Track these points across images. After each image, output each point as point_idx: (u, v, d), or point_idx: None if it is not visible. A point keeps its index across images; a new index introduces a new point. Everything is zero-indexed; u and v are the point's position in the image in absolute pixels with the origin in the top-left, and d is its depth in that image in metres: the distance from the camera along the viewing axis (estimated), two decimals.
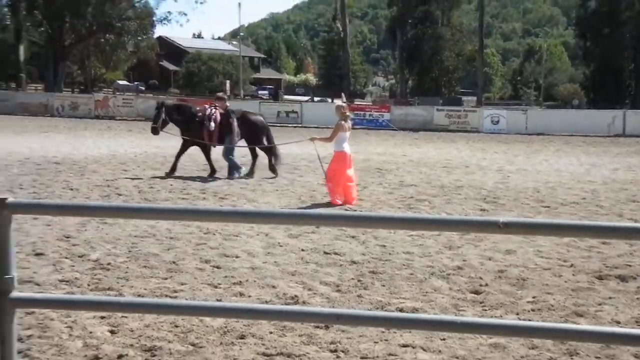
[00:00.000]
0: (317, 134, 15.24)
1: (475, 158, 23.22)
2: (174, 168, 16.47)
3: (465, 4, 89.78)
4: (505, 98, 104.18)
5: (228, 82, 76.16)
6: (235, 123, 16.23)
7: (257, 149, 17.09)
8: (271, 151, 17.14)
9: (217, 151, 16.85)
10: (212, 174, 16.50)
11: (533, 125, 37.96)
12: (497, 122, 38.83)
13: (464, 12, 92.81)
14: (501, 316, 6.76)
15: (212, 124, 16.33)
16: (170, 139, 17.93)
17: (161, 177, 16.08)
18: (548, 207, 13.37)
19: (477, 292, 7.56)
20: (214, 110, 16.54)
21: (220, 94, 18.09)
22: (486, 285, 7.81)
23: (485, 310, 6.98)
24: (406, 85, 73.36)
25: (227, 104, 16.93)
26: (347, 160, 13.24)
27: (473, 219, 4.56)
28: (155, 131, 16.88)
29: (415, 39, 71.05)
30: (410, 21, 71.61)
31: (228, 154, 16.30)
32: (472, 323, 4.23)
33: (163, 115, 16.76)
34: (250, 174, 16.66)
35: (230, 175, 16.26)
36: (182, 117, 16.90)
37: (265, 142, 17.11)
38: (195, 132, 16.50)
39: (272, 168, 16.92)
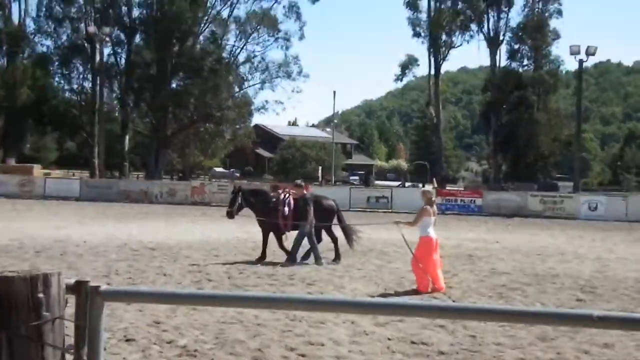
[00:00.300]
0: (407, 219, 15.14)
1: (572, 246, 22.51)
2: (263, 255, 16.65)
3: (562, 88, 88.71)
4: (604, 184, 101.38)
5: (320, 167, 77.25)
6: (311, 211, 16.35)
7: (332, 231, 17.13)
8: (345, 233, 17.20)
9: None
10: (290, 258, 16.50)
11: (634, 212, 36.57)
12: (595, 208, 37.70)
13: (561, 97, 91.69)
14: None
15: (286, 209, 16.50)
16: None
17: (251, 263, 16.26)
18: None
19: None
20: (287, 195, 16.78)
21: (298, 181, 18.32)
22: None
23: None
24: (500, 171, 72.51)
25: (305, 191, 17.06)
26: (433, 245, 13.15)
27: (565, 312, 4.41)
28: (230, 215, 17.28)
29: (510, 125, 70.45)
30: (504, 106, 71.27)
31: (301, 240, 16.34)
32: None
33: (239, 200, 17.13)
34: (337, 258, 16.72)
35: (317, 261, 16.25)
36: (258, 201, 17.19)
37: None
38: (269, 217, 16.66)
39: (337, 254, 16.85)
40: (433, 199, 13.71)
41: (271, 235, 16.93)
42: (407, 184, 75.45)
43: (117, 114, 73.26)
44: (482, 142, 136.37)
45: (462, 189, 60.93)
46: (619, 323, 3.57)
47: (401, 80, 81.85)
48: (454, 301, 12.02)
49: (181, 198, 44.06)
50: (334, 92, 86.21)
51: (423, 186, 64.98)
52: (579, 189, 52.62)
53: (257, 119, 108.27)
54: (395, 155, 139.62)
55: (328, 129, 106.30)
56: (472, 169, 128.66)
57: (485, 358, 8.34)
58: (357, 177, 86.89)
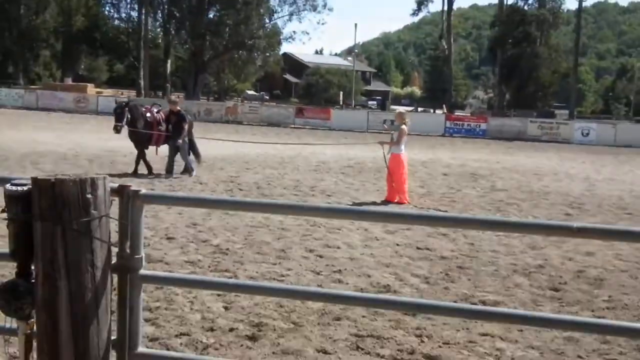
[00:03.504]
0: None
1: (564, 167, 22.37)
2: (149, 167, 15.57)
3: (563, 25, 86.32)
4: (596, 112, 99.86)
5: (342, 93, 76.57)
6: (186, 127, 15.34)
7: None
8: (195, 150, 16.29)
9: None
10: (150, 172, 15.50)
11: (622, 138, 36.18)
12: (588, 134, 37.27)
13: (562, 33, 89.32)
14: (577, 313, 6.49)
15: (164, 125, 15.48)
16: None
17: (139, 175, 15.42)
18: (630, 214, 12.75)
19: (556, 290, 7.30)
20: (158, 111, 15.75)
21: (173, 97, 17.33)
22: (565, 283, 7.52)
23: (563, 306, 6.72)
24: (504, 99, 71.57)
25: (178, 107, 15.74)
26: (404, 161, 13.30)
27: (550, 223, 4.41)
28: (118, 130, 15.20)
29: (514, 57, 69.12)
30: (510, 41, 69.82)
31: (185, 153, 15.54)
32: (548, 318, 4.09)
33: (128, 115, 15.18)
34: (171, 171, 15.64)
35: (189, 172, 15.50)
36: (139, 117, 15.38)
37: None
38: (145, 133, 15.34)
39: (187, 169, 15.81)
40: (407, 120, 13.63)
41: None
42: (419, 109, 74.76)
43: (160, 41, 72.99)
44: (489, 73, 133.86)
45: (469, 114, 60.34)
46: (595, 233, 3.59)
47: (417, 15, 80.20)
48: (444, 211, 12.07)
49: (216, 117, 44.08)
50: (355, 25, 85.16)
51: (433, 112, 64.45)
52: (574, 116, 51.93)
53: (286, 48, 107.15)
54: (409, 83, 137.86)
55: (349, 58, 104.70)
56: (479, 96, 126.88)
57: (481, 262, 8.42)
58: (374, 102, 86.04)
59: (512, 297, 6.99)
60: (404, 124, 13.39)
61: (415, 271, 7.89)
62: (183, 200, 4.83)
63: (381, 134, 36.65)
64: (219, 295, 6.49)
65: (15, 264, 3.26)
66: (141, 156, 15.55)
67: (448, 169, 19.91)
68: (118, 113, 15.20)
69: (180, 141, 15.34)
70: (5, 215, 3.18)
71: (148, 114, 15.53)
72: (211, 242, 8.85)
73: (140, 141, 15.45)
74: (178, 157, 15.55)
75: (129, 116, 15.20)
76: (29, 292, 3.17)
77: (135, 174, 15.32)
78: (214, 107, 46.94)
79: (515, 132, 39.16)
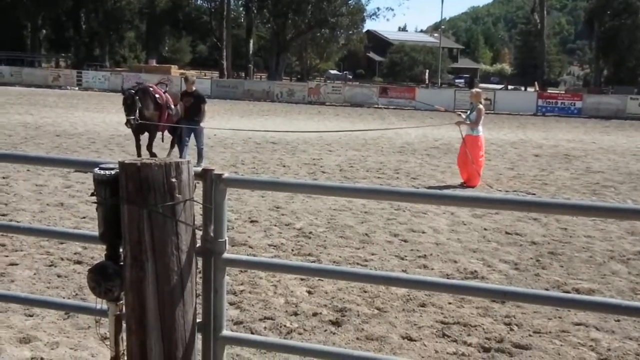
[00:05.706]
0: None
1: None
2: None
3: None
4: None
5: (427, 71, 75.65)
6: (206, 108, 13.96)
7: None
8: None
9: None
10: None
11: None
12: None
13: None
14: None
15: (177, 107, 13.78)
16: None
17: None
18: None
19: None
20: (165, 90, 14.12)
21: (188, 75, 15.70)
22: None
23: None
24: (601, 75, 68.91)
25: (194, 87, 14.10)
26: (483, 143, 13.10)
27: None
28: (132, 124, 13.27)
29: (613, 30, 66.34)
30: (609, 12, 66.96)
31: (203, 138, 14.22)
32: None
33: (139, 104, 13.22)
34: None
35: (200, 159, 13.90)
36: (146, 104, 13.52)
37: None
38: (156, 117, 13.70)
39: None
40: (483, 99, 13.35)
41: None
42: (509, 87, 72.99)
43: (242, 20, 74.17)
44: (585, 48, 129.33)
45: (563, 92, 58.47)
46: None
47: None
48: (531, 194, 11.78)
49: (299, 98, 44.40)
50: None
51: (525, 89, 62.75)
52: None
53: (369, 25, 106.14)
54: (499, 59, 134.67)
55: (435, 34, 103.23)
56: (574, 73, 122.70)
57: (575, 248, 8.21)
58: (462, 80, 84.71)
59: (608, 285, 6.79)
60: (480, 103, 13.08)
61: (504, 257, 7.77)
62: (266, 184, 4.89)
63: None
64: (302, 279, 6.59)
65: (104, 247, 3.41)
66: (151, 142, 13.97)
67: (540, 150, 19.40)
68: (129, 104, 13.17)
69: (204, 125, 14.12)
70: (94, 198, 3.32)
71: (157, 95, 13.81)
72: (294, 226, 8.98)
73: (151, 128, 13.80)
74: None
75: (140, 105, 13.33)
76: (117, 274, 3.31)
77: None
78: (296, 88, 47.29)
79: (613, 110, 37.68)
